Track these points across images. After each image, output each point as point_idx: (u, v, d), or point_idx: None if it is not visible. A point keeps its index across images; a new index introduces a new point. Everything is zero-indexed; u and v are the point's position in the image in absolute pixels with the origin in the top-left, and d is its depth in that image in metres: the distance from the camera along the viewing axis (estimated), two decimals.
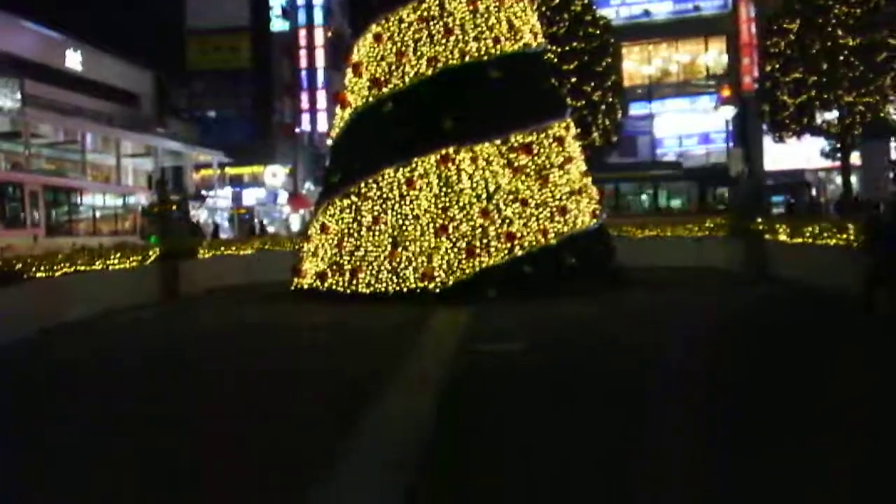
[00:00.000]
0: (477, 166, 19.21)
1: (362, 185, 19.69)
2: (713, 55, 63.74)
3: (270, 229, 60.99)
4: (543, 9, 39.31)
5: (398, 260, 18.84)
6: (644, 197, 44.24)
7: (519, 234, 18.96)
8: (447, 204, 18.95)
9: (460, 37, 19.96)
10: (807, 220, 21.86)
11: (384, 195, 19.39)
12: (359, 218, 19.61)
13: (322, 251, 20.24)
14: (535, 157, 19.76)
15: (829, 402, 8.67)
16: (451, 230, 18.75)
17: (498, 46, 20.16)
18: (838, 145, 46.33)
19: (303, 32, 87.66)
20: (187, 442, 8.00)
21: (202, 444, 7.92)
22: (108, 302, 18.44)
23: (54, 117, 51.39)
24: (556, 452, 7.29)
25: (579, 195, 20.36)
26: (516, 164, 19.48)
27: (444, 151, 19.17)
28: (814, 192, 52.51)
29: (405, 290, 18.65)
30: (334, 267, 19.74)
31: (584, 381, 10.13)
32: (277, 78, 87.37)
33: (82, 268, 18.30)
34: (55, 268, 17.20)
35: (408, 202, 19.14)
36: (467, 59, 19.91)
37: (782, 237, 20.72)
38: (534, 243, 19.08)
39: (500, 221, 18.98)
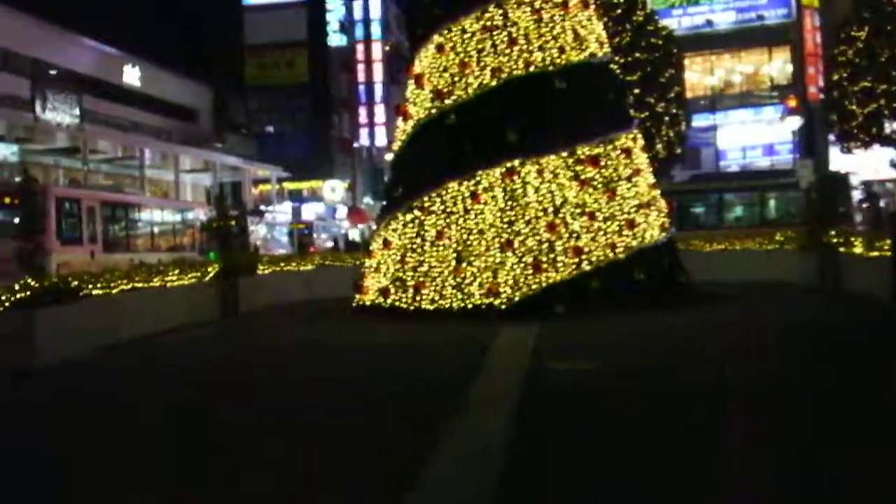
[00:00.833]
0: (543, 179, 18.71)
1: (425, 198, 19.26)
2: (777, 65, 62.68)
3: (329, 244, 60.95)
4: (606, 19, 38.71)
5: (463, 275, 18.38)
6: (753, 207, 40.32)
7: (586, 249, 18.42)
8: (513, 218, 18.47)
9: (525, 47, 19.48)
10: (881, 233, 21.07)
11: (448, 209, 18.96)
12: (422, 233, 19.18)
13: (385, 267, 19.85)
14: (603, 170, 19.20)
15: None
16: (516, 245, 18.26)
17: (563, 56, 19.64)
18: None
19: (360, 47, 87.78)
20: (265, 473, 7.56)
21: (271, 479, 7.47)
22: (167, 319, 18.21)
23: (112, 133, 51.68)
24: (642, 482, 6.77)
25: (648, 208, 19.77)
26: (583, 176, 18.93)
27: (509, 164, 18.70)
28: (882, 203, 51.08)
29: (470, 306, 18.20)
30: (397, 283, 19.34)
31: (663, 403, 9.52)
32: (335, 92, 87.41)
33: (140, 284, 17.98)
34: (112, 285, 16.88)
35: (472, 216, 18.69)
36: (532, 69, 19.41)
37: (858, 249, 19.97)
38: (602, 258, 18.53)
39: (567, 235, 18.44)
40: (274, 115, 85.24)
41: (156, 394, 11.67)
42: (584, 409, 9.44)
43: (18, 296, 14.08)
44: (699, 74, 62.77)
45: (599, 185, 19.05)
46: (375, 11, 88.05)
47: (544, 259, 18.19)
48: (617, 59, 38.40)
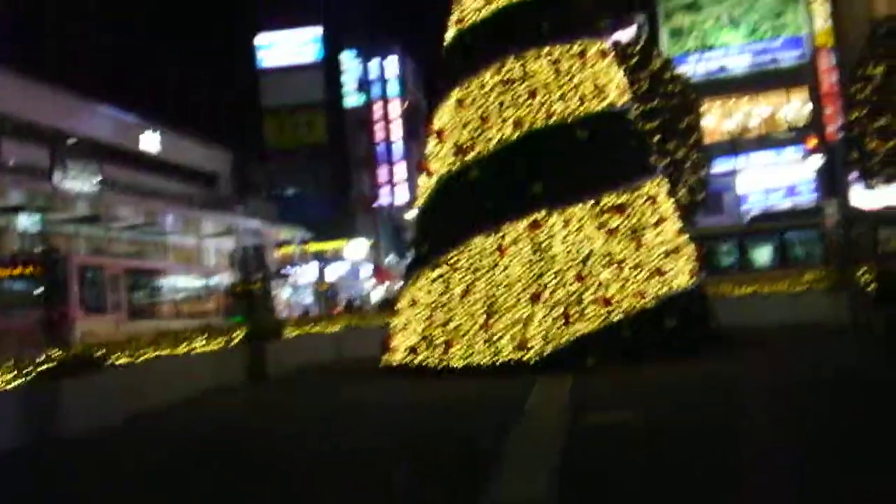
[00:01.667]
0: (569, 230, 18.50)
1: (451, 254, 19.08)
2: (795, 106, 62.57)
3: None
4: (623, 67, 38.71)
5: (492, 331, 18.13)
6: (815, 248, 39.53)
7: (615, 298, 18.16)
8: (540, 270, 18.23)
9: (545, 98, 19.37)
10: None
11: (475, 264, 18.74)
12: (450, 289, 18.96)
13: (412, 325, 19.62)
14: (629, 218, 18.99)
15: None
16: (545, 297, 18.01)
17: (583, 106, 19.53)
18: None
19: (377, 105, 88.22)
20: None
21: None
22: (194, 386, 18.01)
23: (133, 200, 51.81)
24: None
25: (676, 254, 19.54)
26: (609, 225, 18.73)
27: (534, 216, 18.50)
28: None
29: (500, 361, 17.90)
30: (426, 341, 19.09)
31: (710, 454, 9.23)
32: (353, 152, 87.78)
33: (166, 352, 17.82)
34: (137, 353, 16.73)
35: (499, 270, 18.47)
36: (553, 120, 19.29)
37: None
38: (631, 307, 18.24)
39: (595, 286, 18.19)
40: (294, 175, 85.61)
41: (178, 463, 11.48)
42: (627, 461, 9.22)
43: (44, 367, 13.97)
44: (717, 119, 62.66)
45: (626, 234, 18.83)
46: (391, 69, 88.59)
47: (573, 310, 17.92)
48: (635, 107, 38.54)
